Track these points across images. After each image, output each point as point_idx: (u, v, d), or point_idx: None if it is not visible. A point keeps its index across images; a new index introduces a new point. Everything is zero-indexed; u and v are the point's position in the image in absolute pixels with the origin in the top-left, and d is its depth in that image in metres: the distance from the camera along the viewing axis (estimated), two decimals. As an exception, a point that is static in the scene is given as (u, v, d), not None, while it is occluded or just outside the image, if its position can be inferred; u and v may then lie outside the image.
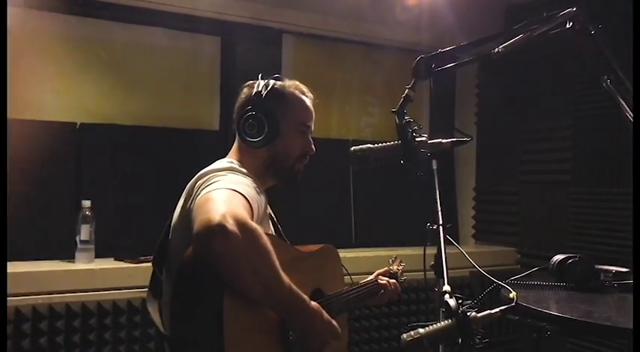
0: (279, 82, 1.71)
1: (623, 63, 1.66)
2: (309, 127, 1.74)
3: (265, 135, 1.61)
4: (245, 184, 1.47)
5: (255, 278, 1.31)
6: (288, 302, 1.39)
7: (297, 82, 1.75)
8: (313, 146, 1.74)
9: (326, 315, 1.50)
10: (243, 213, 1.31)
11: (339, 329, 1.54)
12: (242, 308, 1.35)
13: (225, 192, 1.37)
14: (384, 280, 2.06)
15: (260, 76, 1.70)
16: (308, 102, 1.73)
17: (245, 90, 1.71)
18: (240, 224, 1.26)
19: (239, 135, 1.66)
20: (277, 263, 1.34)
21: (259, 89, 1.65)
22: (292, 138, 1.69)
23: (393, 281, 2.10)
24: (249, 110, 1.63)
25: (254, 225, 1.31)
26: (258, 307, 1.40)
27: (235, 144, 1.71)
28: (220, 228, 1.24)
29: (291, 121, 1.68)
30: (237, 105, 1.71)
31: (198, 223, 1.27)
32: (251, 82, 1.71)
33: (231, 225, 1.24)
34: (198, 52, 3.28)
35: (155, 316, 1.59)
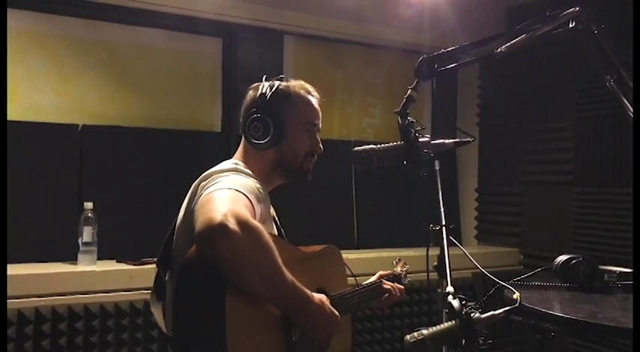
0: (283, 83, 1.70)
1: (626, 62, 1.65)
2: (316, 126, 1.73)
3: (271, 137, 1.61)
4: (248, 185, 1.47)
5: (258, 275, 1.31)
6: (292, 298, 1.39)
7: (302, 82, 1.74)
8: (321, 145, 1.73)
9: (329, 307, 1.51)
10: (245, 212, 1.31)
11: (341, 320, 1.55)
12: (244, 307, 1.35)
13: (228, 192, 1.38)
14: (388, 284, 2.06)
15: (264, 77, 1.70)
16: (314, 101, 1.73)
17: (250, 92, 1.71)
18: (242, 222, 1.27)
19: (245, 137, 1.66)
20: (279, 259, 1.34)
21: (264, 91, 1.65)
22: (299, 137, 1.68)
23: (399, 286, 2.09)
24: (255, 112, 1.63)
25: (255, 223, 1.31)
26: (261, 306, 1.40)
27: (241, 146, 1.71)
28: (222, 227, 1.24)
29: (297, 121, 1.68)
30: (242, 107, 1.71)
31: (199, 223, 1.28)
32: (256, 84, 1.71)
33: (232, 224, 1.25)
34: (200, 54, 3.28)
35: (159, 318, 1.59)
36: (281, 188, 1.75)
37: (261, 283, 1.33)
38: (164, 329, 1.57)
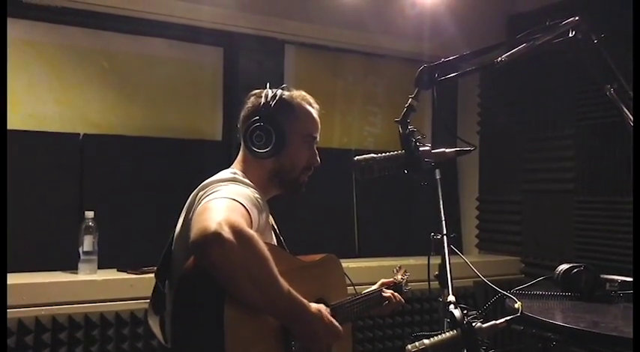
0: (286, 93, 1.69)
1: (626, 71, 1.66)
2: (315, 138, 1.73)
3: (272, 146, 1.60)
4: (246, 194, 1.47)
5: (253, 284, 1.31)
6: (287, 308, 1.39)
7: (304, 93, 1.74)
8: (318, 158, 1.73)
9: (327, 316, 1.50)
10: (240, 221, 1.31)
11: (341, 330, 1.54)
12: (243, 317, 1.35)
13: (224, 201, 1.37)
14: (387, 292, 2.05)
15: (267, 85, 1.69)
16: (314, 113, 1.72)
17: (252, 99, 1.69)
18: (236, 231, 1.26)
19: (245, 145, 1.64)
20: (275, 269, 1.34)
21: (267, 99, 1.63)
22: (298, 149, 1.68)
23: (398, 296, 2.08)
24: (257, 121, 1.61)
25: (250, 232, 1.31)
26: (260, 316, 1.39)
27: (240, 154, 1.70)
28: (216, 236, 1.24)
29: (298, 132, 1.67)
30: (243, 114, 1.69)
31: (194, 232, 1.28)
32: (257, 91, 1.69)
33: (226, 232, 1.24)
34: (201, 63, 3.29)
35: (156, 330, 1.58)
36: (277, 197, 1.74)
37: (256, 292, 1.32)
38: (162, 341, 1.56)
